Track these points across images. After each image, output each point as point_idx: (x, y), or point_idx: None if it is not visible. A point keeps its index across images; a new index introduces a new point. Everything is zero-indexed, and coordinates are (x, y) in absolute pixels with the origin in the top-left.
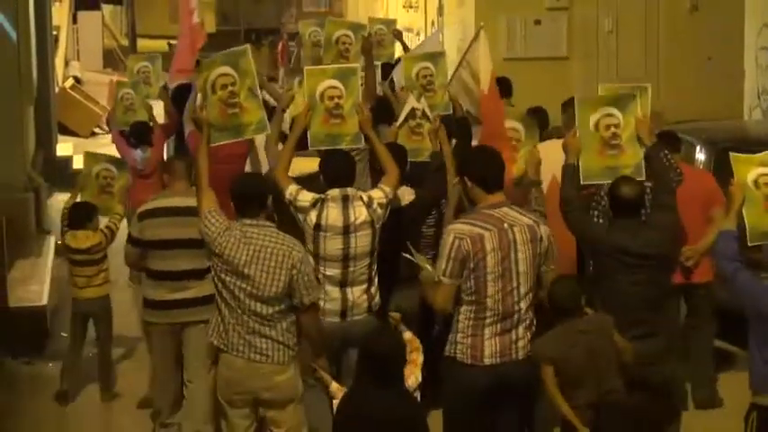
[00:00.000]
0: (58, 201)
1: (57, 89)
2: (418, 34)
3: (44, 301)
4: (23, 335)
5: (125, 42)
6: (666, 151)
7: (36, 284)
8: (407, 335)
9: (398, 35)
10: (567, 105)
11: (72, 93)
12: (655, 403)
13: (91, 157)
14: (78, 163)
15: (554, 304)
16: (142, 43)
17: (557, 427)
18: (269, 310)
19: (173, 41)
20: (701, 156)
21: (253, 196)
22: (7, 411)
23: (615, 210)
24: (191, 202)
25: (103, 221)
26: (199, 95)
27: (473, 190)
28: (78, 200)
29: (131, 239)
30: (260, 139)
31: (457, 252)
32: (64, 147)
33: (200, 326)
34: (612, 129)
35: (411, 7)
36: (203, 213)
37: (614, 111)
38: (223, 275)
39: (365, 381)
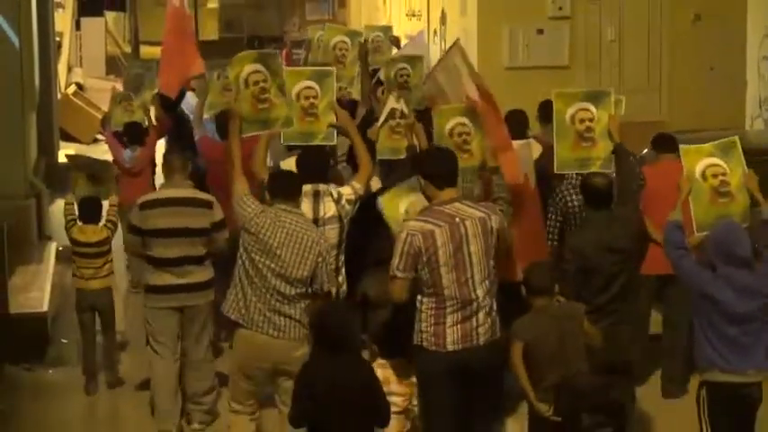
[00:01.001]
0: (60, 207)
1: (59, 95)
2: None
3: (45, 307)
4: (24, 341)
5: (128, 49)
6: (632, 154)
7: (37, 291)
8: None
9: (395, 41)
10: (543, 106)
11: (74, 99)
12: (616, 387)
13: (72, 162)
14: None
15: (529, 287)
16: (145, 50)
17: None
18: (292, 291)
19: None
20: None
21: (289, 184)
22: (8, 417)
23: (589, 202)
24: (187, 193)
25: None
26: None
27: (427, 187)
28: (74, 195)
29: (132, 228)
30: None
31: (409, 247)
32: (66, 153)
33: (199, 308)
34: (587, 122)
35: (413, 15)
36: (239, 196)
37: (589, 105)
38: (253, 254)
39: (319, 350)
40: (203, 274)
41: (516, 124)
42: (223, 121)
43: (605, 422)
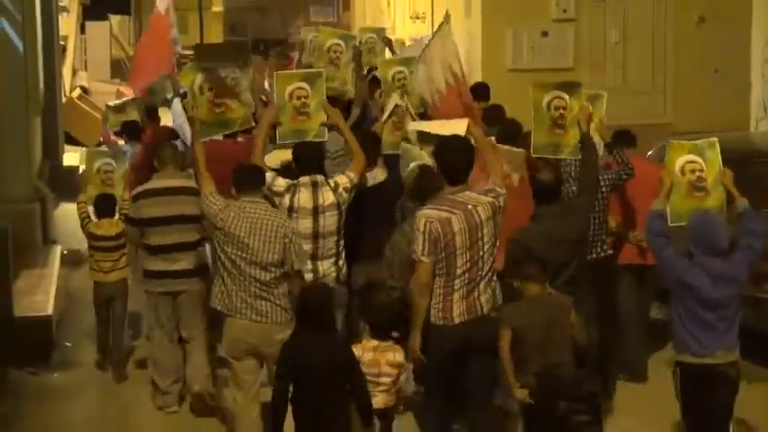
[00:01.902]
0: (65, 211)
1: (64, 99)
2: None
3: (50, 311)
4: (29, 345)
5: (132, 52)
6: (618, 148)
7: (42, 294)
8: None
9: (388, 42)
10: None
11: (79, 103)
12: (593, 379)
13: (93, 154)
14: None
15: (523, 275)
16: None
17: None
18: (267, 276)
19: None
20: None
21: (251, 177)
22: (12, 421)
23: (537, 197)
24: (179, 183)
25: None
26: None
27: (443, 176)
28: (86, 195)
29: (129, 219)
30: None
31: (429, 234)
32: (71, 157)
33: (191, 293)
34: (561, 110)
35: (418, 18)
36: (205, 195)
37: (563, 94)
38: (225, 247)
39: (300, 328)
40: (194, 260)
41: (495, 117)
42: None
43: (583, 410)
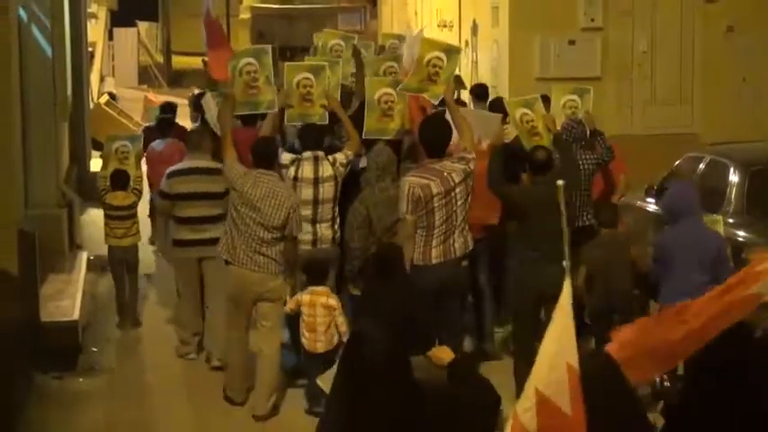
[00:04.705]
0: (92, 216)
1: (91, 105)
2: None
3: (76, 315)
4: (55, 350)
5: (160, 59)
6: (600, 137)
7: (68, 299)
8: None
9: (356, 53)
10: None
11: (106, 109)
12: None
13: (111, 137)
14: None
15: (599, 220)
16: (177, 60)
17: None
18: (269, 236)
19: (207, 59)
20: (734, 177)
21: (265, 154)
22: (37, 426)
23: (533, 169)
24: (205, 164)
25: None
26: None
27: (421, 148)
28: (106, 171)
29: (162, 194)
30: None
31: (412, 196)
32: (98, 162)
33: (216, 259)
34: (531, 122)
35: (445, 27)
36: (228, 163)
37: (526, 110)
38: (239, 207)
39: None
40: (217, 231)
41: (481, 95)
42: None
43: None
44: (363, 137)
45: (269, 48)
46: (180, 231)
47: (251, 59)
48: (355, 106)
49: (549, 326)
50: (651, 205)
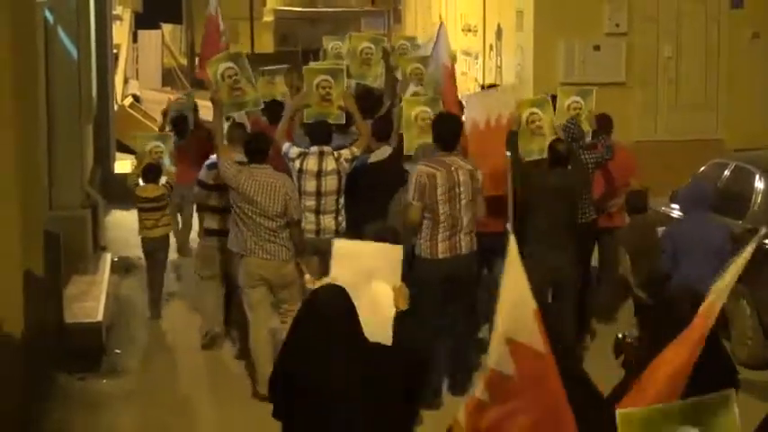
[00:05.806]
0: (116, 218)
1: (116, 107)
2: (477, 58)
3: (99, 317)
4: (79, 351)
5: (184, 61)
6: (603, 137)
7: (92, 301)
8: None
9: (386, 55)
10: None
11: (130, 111)
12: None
13: (143, 138)
14: None
15: (629, 206)
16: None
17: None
18: (273, 224)
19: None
20: (759, 184)
21: (258, 149)
22: (61, 428)
23: (551, 160)
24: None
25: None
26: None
27: (435, 143)
28: (138, 168)
29: (200, 183)
30: None
31: (418, 184)
32: (122, 164)
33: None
34: (537, 122)
35: (470, 31)
36: (222, 163)
37: (537, 110)
38: (239, 202)
39: None
40: None
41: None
42: (272, 109)
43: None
44: (405, 152)
45: (243, 52)
46: (208, 220)
47: (230, 64)
48: (386, 107)
49: (503, 279)
50: (676, 211)
